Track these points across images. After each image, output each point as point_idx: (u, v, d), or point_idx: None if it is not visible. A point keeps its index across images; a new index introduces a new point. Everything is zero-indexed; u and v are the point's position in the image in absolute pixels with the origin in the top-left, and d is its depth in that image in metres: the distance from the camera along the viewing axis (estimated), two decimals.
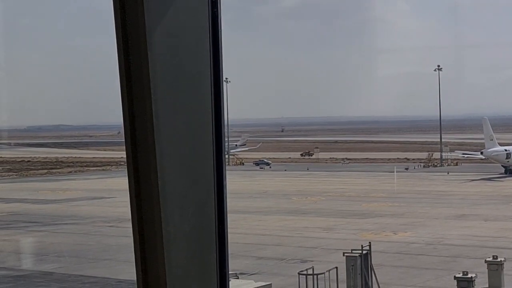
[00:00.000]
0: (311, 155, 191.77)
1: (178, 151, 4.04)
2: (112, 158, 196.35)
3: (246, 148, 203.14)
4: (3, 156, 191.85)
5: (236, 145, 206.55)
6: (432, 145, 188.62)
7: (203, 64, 4.11)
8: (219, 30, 4.17)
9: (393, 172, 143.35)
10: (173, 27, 3.98)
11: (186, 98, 4.07)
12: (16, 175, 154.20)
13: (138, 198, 4.01)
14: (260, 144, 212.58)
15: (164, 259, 3.96)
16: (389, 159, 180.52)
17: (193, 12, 4.06)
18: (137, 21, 3.89)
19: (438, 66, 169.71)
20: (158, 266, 4.00)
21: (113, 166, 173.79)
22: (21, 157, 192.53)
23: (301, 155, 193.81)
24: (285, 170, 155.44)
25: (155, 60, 3.91)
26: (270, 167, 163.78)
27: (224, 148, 4.24)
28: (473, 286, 44.53)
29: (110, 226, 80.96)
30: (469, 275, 44.45)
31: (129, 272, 58.44)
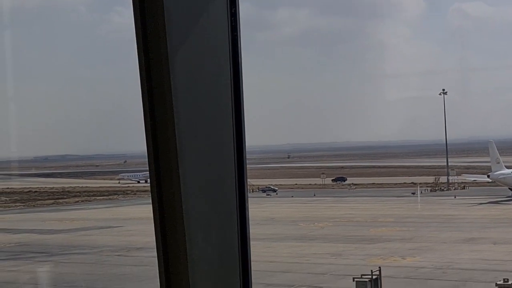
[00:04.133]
0: None
1: (201, 175, 4.08)
2: (119, 187, 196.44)
3: None
4: (10, 187, 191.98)
5: None
6: (439, 169, 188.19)
7: (224, 90, 4.18)
8: (239, 43, 4.24)
9: (400, 197, 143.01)
10: (194, 37, 4.04)
11: (208, 121, 4.12)
12: (23, 205, 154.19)
13: (162, 222, 4.05)
14: None
15: (189, 283, 3.99)
16: (395, 184, 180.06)
17: (214, 27, 4.14)
18: (158, 35, 3.94)
19: (443, 90, 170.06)
20: None
21: (120, 195, 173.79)
22: (28, 188, 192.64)
23: None
24: (292, 196, 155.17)
25: (177, 87, 3.96)
26: (276, 194, 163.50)
27: (246, 171, 4.28)
28: None
29: (118, 255, 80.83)
30: None
31: None
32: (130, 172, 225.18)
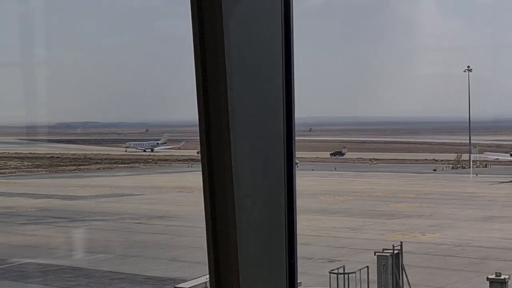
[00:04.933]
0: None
1: (251, 140, 4.11)
2: (141, 155, 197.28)
3: (169, 147, 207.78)
4: (33, 152, 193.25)
5: (157, 143, 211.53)
6: (461, 147, 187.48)
7: (276, 55, 4.18)
8: (291, 20, 4.25)
9: (421, 173, 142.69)
10: (247, 14, 4.05)
11: (259, 90, 4.14)
12: (45, 171, 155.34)
13: (211, 186, 4.07)
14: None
15: (237, 245, 4.02)
16: (416, 160, 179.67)
17: (267, 4, 4.15)
18: (214, 10, 3.95)
19: (468, 67, 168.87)
20: (230, 252, 4.06)
21: (141, 164, 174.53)
22: (51, 153, 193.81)
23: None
24: (313, 169, 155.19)
25: (231, 52, 3.96)
26: (297, 167, 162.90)
27: (295, 139, 4.30)
28: None
29: (139, 223, 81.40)
30: (503, 276, 43.86)
31: (157, 269, 58.79)
32: (144, 141, 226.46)
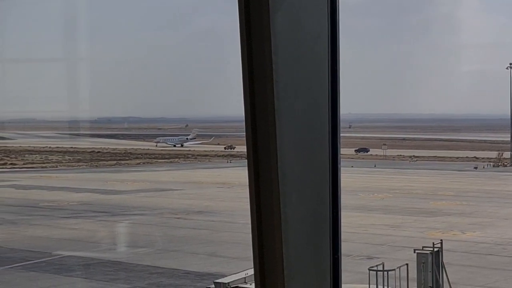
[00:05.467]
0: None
1: (297, 135, 4.12)
2: (180, 150, 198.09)
3: (199, 142, 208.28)
4: (74, 146, 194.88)
5: (187, 138, 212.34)
6: (503, 145, 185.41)
7: (322, 51, 4.20)
8: (337, 15, 4.26)
9: (462, 171, 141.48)
10: (294, 9, 4.06)
11: (305, 85, 4.15)
12: (86, 165, 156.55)
13: (257, 180, 4.10)
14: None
15: (282, 239, 4.05)
16: (457, 157, 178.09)
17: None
18: (261, 5, 3.97)
19: (510, 64, 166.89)
20: (275, 246, 4.08)
21: (181, 159, 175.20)
22: (91, 148, 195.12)
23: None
24: (352, 166, 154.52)
25: (277, 47, 3.98)
26: None
27: (340, 134, 4.32)
28: None
29: (178, 218, 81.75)
30: None
31: (196, 264, 59.04)
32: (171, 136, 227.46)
